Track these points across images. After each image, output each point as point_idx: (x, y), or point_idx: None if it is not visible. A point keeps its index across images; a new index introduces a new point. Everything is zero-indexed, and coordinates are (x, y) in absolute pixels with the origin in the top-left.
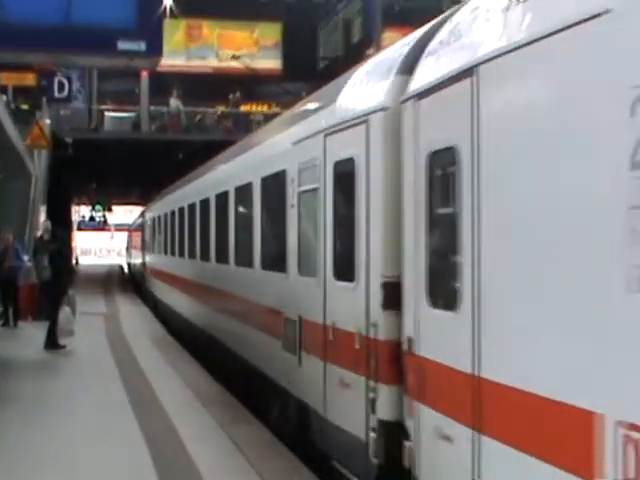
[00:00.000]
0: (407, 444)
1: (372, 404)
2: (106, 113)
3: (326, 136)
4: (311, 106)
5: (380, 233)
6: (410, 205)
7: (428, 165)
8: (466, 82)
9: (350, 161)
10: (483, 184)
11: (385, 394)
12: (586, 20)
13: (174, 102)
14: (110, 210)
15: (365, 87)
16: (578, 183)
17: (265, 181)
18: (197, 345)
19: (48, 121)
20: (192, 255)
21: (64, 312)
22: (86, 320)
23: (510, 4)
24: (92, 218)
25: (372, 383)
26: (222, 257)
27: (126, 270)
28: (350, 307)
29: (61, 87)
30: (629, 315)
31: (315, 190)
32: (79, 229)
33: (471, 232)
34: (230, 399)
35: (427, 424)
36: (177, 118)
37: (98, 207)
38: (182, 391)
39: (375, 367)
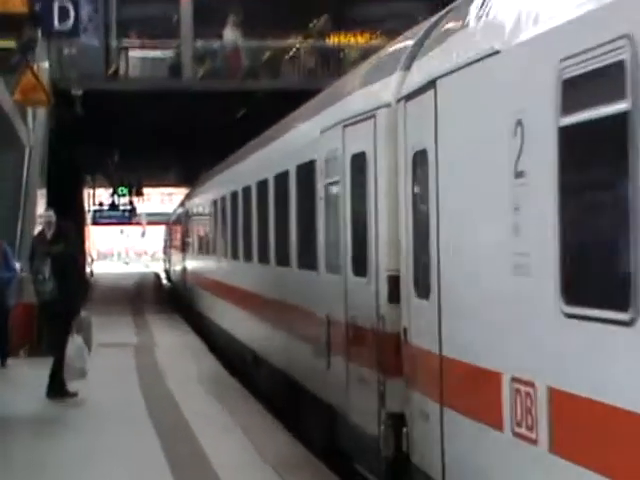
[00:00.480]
0: (404, 430)
1: (382, 397)
2: (131, 52)
3: (345, 127)
4: (337, 91)
5: (385, 228)
6: (403, 202)
7: (412, 165)
8: (431, 92)
9: (362, 155)
10: (440, 188)
11: (391, 386)
12: (485, 57)
13: (230, 34)
14: (140, 194)
15: (377, 79)
16: (484, 189)
17: (300, 170)
18: (274, 388)
19: (47, 65)
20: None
21: (74, 344)
22: (107, 355)
23: (454, 30)
24: (114, 206)
25: (381, 376)
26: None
27: (164, 281)
28: (365, 302)
29: (64, 14)
30: (514, 294)
31: (337, 183)
32: (95, 223)
33: (436, 229)
34: (319, 466)
35: (416, 408)
36: (235, 57)
37: (122, 190)
38: (249, 457)
39: (383, 360)
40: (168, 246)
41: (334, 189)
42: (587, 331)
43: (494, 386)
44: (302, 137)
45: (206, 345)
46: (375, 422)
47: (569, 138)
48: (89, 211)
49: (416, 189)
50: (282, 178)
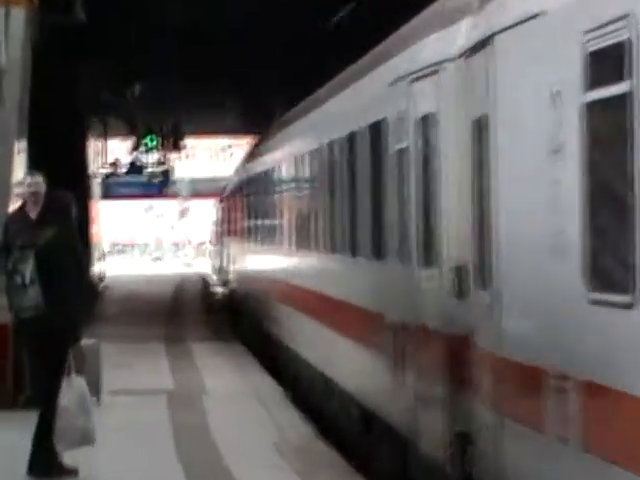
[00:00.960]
0: (469, 449)
1: (450, 415)
2: None
3: (412, 82)
4: (409, 32)
5: (453, 207)
6: (466, 177)
7: (472, 134)
8: (490, 49)
9: (428, 118)
10: (497, 161)
11: (459, 400)
12: (534, 17)
13: None
14: (178, 148)
15: (448, 23)
16: (530, 164)
17: (372, 130)
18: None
19: None
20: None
21: (72, 389)
22: (125, 408)
23: None
24: (136, 167)
25: (449, 389)
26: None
27: (217, 287)
28: (434, 299)
29: None
30: (551, 279)
31: (406, 150)
32: (107, 195)
33: (494, 208)
34: None
35: (481, 422)
36: None
37: (150, 141)
38: None
39: (451, 368)
40: (222, 232)
41: (403, 158)
42: (607, 317)
43: (537, 383)
44: (372, 88)
45: (286, 391)
46: (443, 445)
47: (592, 115)
48: (97, 176)
49: (477, 163)
50: (354, 139)
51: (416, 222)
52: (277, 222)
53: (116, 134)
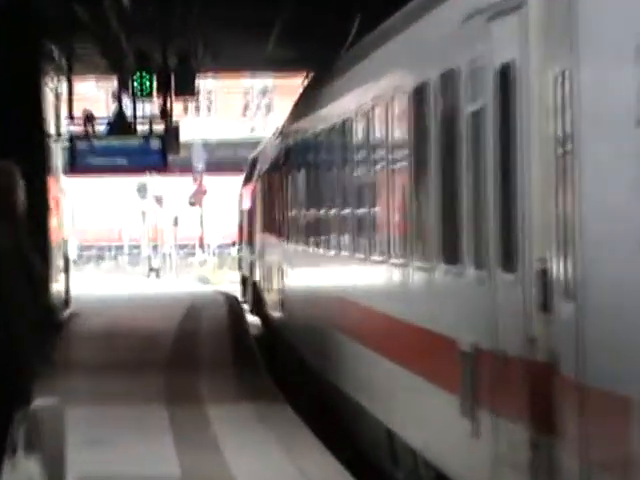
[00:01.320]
0: None
1: (535, 470)
2: None
3: (490, 20)
4: None
5: (538, 192)
6: (551, 147)
7: (554, 93)
8: None
9: (510, 68)
10: (581, 129)
11: (545, 448)
12: None
13: None
14: (188, 92)
15: None
16: (614, 137)
17: (442, 82)
18: None
19: None
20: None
21: (20, 474)
22: None
23: None
24: (122, 123)
25: (533, 436)
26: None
27: (249, 314)
28: (514, 314)
29: None
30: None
31: (481, 113)
32: (74, 169)
33: (578, 195)
34: None
35: (567, 476)
36: None
37: (143, 84)
38: None
39: (534, 407)
40: (256, 227)
41: (477, 122)
42: None
43: (626, 420)
44: (443, 27)
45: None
46: None
47: None
48: (58, 137)
49: (558, 130)
50: (421, 93)
51: (494, 213)
52: (345, 213)
53: (90, 71)
